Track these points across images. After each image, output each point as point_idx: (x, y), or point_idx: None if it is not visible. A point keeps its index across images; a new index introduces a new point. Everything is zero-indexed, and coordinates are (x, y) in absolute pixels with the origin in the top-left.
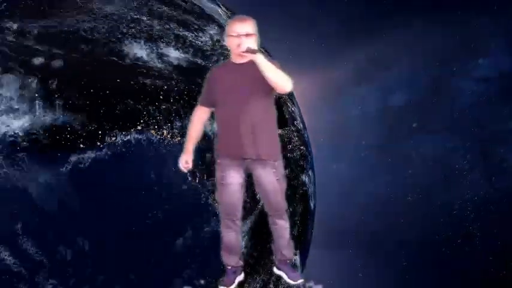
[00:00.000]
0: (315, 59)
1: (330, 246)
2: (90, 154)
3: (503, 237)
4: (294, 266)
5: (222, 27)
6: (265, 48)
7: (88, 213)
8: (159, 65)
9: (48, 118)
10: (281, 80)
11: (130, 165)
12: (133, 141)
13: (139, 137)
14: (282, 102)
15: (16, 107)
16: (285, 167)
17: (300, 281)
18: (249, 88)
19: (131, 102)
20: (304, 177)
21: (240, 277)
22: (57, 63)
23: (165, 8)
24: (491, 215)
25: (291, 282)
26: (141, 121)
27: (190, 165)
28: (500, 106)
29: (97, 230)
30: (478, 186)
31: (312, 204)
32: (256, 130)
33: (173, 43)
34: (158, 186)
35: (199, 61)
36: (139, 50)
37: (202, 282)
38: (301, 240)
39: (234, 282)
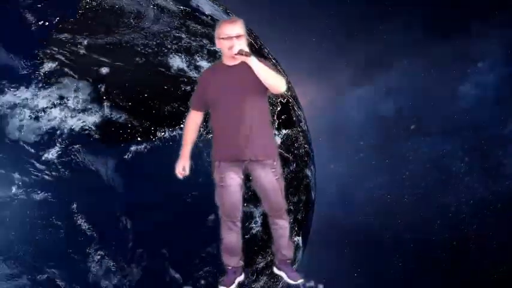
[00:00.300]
0: (315, 59)
1: (326, 246)
2: (146, 145)
3: (498, 240)
4: (296, 247)
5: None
6: (265, 48)
7: (140, 193)
8: (197, 75)
9: (113, 116)
10: (275, 81)
11: (176, 154)
12: (177, 136)
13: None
14: (290, 106)
15: (89, 106)
16: (292, 162)
17: (300, 280)
18: (243, 89)
19: (176, 105)
20: (307, 171)
21: (240, 277)
22: (119, 72)
23: (199, 27)
24: (487, 218)
25: (291, 282)
26: (184, 120)
27: (187, 172)
28: (498, 110)
29: (142, 207)
30: (475, 189)
31: (313, 194)
32: (252, 131)
33: (206, 57)
34: (195, 172)
35: None
36: (180, 63)
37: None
38: (303, 224)
39: (234, 282)
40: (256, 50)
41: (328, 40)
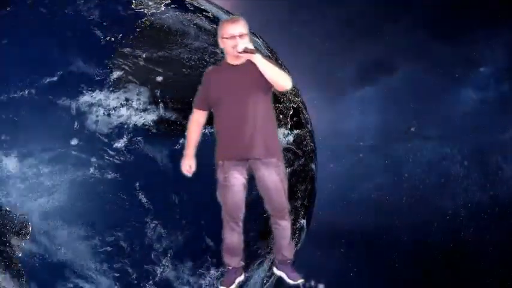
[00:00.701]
0: (318, 59)
1: (322, 245)
2: None
3: (494, 244)
4: (301, 229)
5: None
6: (270, 47)
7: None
8: None
9: (166, 115)
10: (281, 78)
11: (211, 146)
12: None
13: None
14: (300, 110)
15: (148, 107)
16: (301, 157)
17: (300, 280)
18: (248, 88)
19: None
20: (312, 165)
21: (241, 278)
22: (170, 80)
23: None
24: (484, 222)
25: (291, 282)
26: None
27: (193, 169)
28: (499, 115)
29: (188, 187)
30: (473, 193)
31: (316, 185)
32: (256, 130)
33: None
34: None
35: None
36: None
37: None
38: (308, 209)
39: (234, 282)
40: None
41: (331, 40)
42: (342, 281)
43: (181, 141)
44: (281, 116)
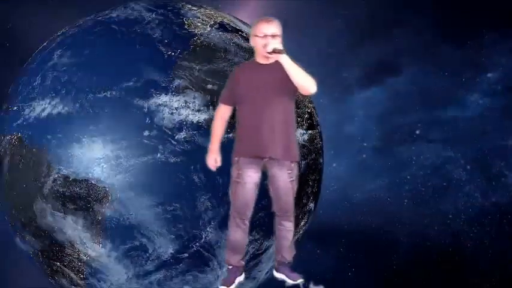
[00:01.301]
0: (325, 58)
1: (322, 244)
2: (233, 134)
3: (494, 250)
4: (309, 212)
5: None
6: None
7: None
8: None
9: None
10: (306, 82)
11: None
12: None
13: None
14: (312, 114)
15: (201, 108)
16: (313, 153)
17: (300, 280)
18: (273, 88)
19: None
20: (320, 160)
21: (241, 278)
22: (217, 88)
23: None
24: (485, 228)
25: (292, 282)
26: None
27: (219, 163)
28: (504, 121)
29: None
30: (474, 198)
31: (322, 175)
32: (276, 130)
33: None
34: None
35: None
36: None
37: None
38: (316, 195)
39: (234, 282)
40: None
41: (339, 39)
42: (340, 280)
43: (225, 136)
44: (299, 119)
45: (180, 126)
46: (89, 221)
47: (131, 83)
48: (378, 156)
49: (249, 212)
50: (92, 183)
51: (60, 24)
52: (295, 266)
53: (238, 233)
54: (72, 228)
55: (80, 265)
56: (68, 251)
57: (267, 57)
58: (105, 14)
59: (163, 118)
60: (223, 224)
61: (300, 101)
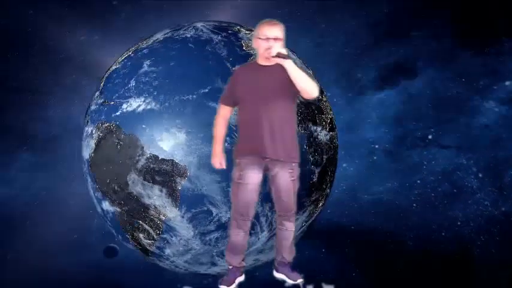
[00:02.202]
0: (341, 58)
1: (327, 244)
2: None
3: (501, 259)
4: (326, 196)
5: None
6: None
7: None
8: None
9: None
10: (309, 86)
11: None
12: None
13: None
14: (332, 119)
15: None
16: (332, 150)
17: (300, 280)
18: (274, 90)
19: (300, 118)
20: (337, 156)
21: (241, 278)
22: None
23: None
24: (493, 237)
25: (292, 282)
26: (300, 119)
27: (224, 166)
28: None
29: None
30: (485, 206)
31: (336, 169)
32: (277, 131)
33: None
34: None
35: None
36: None
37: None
38: (332, 182)
39: (234, 282)
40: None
41: (356, 40)
42: (344, 279)
43: None
44: (323, 123)
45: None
46: (171, 190)
47: (206, 90)
48: (389, 159)
49: (251, 213)
50: (175, 161)
51: None
52: (301, 263)
53: (239, 234)
54: (157, 195)
55: (159, 223)
56: (151, 212)
57: (269, 59)
58: (180, 34)
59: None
60: (266, 200)
61: (324, 107)
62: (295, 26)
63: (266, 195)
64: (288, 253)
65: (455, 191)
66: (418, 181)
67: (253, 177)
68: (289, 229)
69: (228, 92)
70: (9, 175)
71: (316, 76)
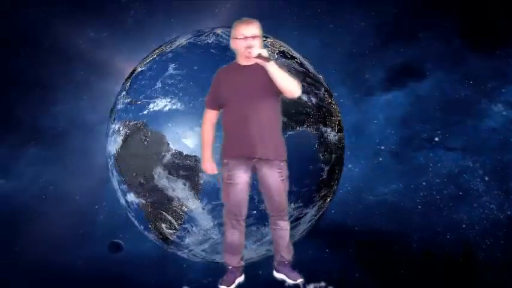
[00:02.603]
0: (348, 58)
1: (331, 244)
2: (292, 132)
3: (506, 263)
4: (334, 192)
5: (328, 91)
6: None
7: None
8: (311, 103)
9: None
10: (289, 85)
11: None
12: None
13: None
14: (340, 121)
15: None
16: (339, 150)
17: (300, 280)
18: (256, 89)
19: (302, 113)
20: (344, 155)
21: (241, 278)
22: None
23: (309, 80)
24: (498, 241)
25: (292, 282)
26: (312, 121)
27: (215, 170)
28: None
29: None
30: (490, 210)
31: (343, 167)
32: (263, 131)
33: (313, 94)
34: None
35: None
36: (304, 96)
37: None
38: (339, 179)
39: (234, 282)
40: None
41: (364, 40)
42: (346, 280)
43: (289, 133)
44: (333, 124)
45: None
46: (193, 183)
47: None
48: (395, 161)
49: (244, 212)
50: (198, 157)
51: None
52: (305, 263)
53: (235, 235)
54: (180, 188)
55: (181, 214)
56: (175, 204)
57: (249, 59)
58: (202, 40)
59: None
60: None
61: (334, 110)
62: (303, 26)
63: None
64: (287, 252)
65: (460, 193)
66: (424, 183)
67: (242, 177)
68: (284, 228)
69: (212, 95)
70: (18, 169)
71: (323, 76)
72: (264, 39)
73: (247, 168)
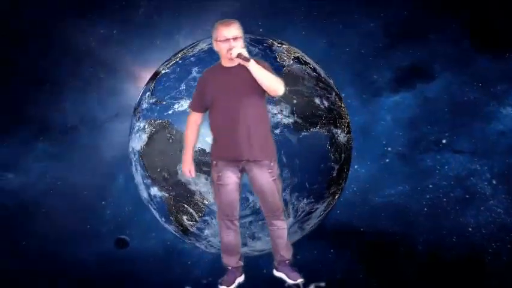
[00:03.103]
0: (356, 58)
1: (336, 244)
2: (305, 133)
3: None
4: (342, 190)
5: (338, 95)
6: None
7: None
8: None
9: (297, 119)
10: (272, 84)
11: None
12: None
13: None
14: (349, 123)
15: (289, 115)
16: (348, 150)
17: (300, 280)
18: (242, 90)
19: (317, 115)
20: (351, 155)
21: (240, 278)
22: (298, 101)
23: (321, 84)
24: (505, 244)
25: (292, 282)
26: (324, 123)
27: (193, 175)
28: None
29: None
30: (497, 213)
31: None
32: (251, 132)
33: (326, 98)
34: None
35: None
36: (323, 101)
37: None
38: (347, 178)
39: (234, 282)
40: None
41: (373, 41)
42: (350, 280)
43: (303, 133)
44: (343, 126)
45: (277, 125)
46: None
47: None
48: (402, 162)
49: (236, 212)
50: None
51: None
52: (309, 263)
53: (230, 235)
54: (203, 183)
55: (202, 207)
56: (196, 197)
57: (232, 60)
58: None
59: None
60: (294, 190)
61: (343, 112)
62: (311, 26)
63: (295, 186)
64: (286, 251)
65: (467, 196)
66: (430, 185)
67: (231, 177)
68: (281, 227)
69: (196, 98)
70: (26, 164)
71: (331, 76)
72: (280, 45)
73: (236, 169)
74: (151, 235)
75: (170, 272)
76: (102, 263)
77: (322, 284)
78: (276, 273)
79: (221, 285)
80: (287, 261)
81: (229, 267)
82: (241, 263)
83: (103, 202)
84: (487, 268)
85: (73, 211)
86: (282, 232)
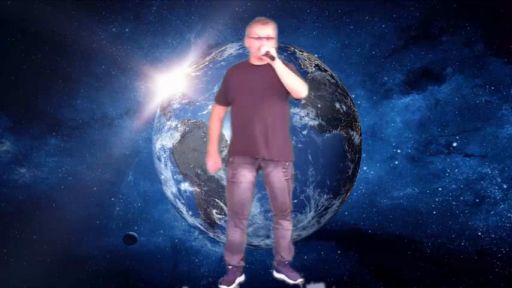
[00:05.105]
0: (368, 60)
1: (343, 245)
2: (326, 134)
3: None
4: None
5: (351, 100)
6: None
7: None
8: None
9: (321, 121)
10: (296, 85)
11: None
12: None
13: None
14: (360, 127)
15: (314, 117)
16: (359, 150)
17: (300, 280)
18: (265, 90)
19: (336, 118)
20: (361, 156)
21: (241, 278)
22: (322, 105)
23: (339, 90)
24: None
25: (291, 282)
26: (343, 125)
27: (220, 165)
28: None
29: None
30: (507, 218)
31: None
32: (270, 131)
33: (343, 102)
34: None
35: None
36: (341, 105)
37: None
38: (355, 176)
39: (234, 282)
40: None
41: (385, 43)
42: (357, 282)
43: (326, 135)
44: (357, 129)
45: (304, 126)
46: None
47: None
48: (411, 165)
49: (247, 212)
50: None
51: None
52: (316, 263)
53: (236, 233)
54: None
55: None
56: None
57: (261, 59)
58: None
59: (296, 121)
60: (317, 186)
61: (357, 116)
62: (323, 26)
63: (318, 183)
64: (287, 252)
65: (477, 200)
66: (440, 188)
67: (246, 176)
68: (286, 228)
69: (221, 91)
70: (38, 159)
71: (342, 77)
72: (301, 52)
73: (252, 167)
74: (159, 232)
75: (177, 269)
76: (110, 258)
77: (322, 285)
78: (276, 275)
79: (221, 284)
80: (287, 262)
81: (230, 266)
82: (243, 263)
83: (112, 198)
84: (496, 273)
85: (83, 207)
86: (286, 233)
